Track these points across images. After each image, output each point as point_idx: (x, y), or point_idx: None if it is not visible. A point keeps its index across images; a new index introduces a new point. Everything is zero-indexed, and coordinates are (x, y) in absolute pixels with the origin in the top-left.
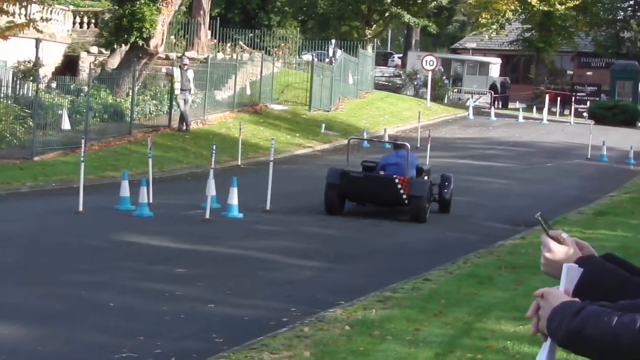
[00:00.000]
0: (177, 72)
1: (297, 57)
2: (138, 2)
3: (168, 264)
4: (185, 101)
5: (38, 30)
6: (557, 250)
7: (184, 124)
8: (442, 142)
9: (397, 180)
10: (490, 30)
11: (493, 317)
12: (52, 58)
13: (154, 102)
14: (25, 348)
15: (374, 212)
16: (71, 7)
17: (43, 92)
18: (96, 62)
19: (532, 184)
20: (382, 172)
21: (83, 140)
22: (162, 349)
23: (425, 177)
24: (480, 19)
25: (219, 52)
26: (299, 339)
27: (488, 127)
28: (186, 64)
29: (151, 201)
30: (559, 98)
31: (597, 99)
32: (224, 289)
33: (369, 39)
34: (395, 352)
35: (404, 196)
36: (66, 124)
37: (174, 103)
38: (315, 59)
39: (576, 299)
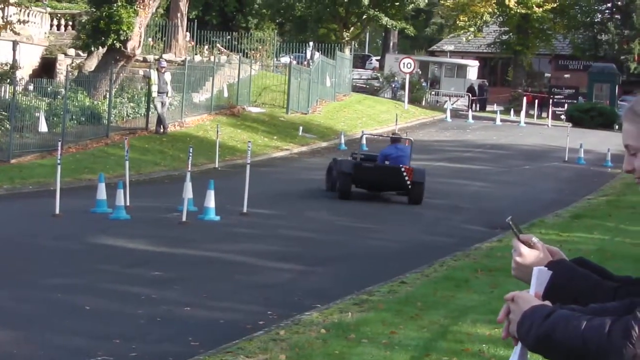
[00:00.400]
0: (154, 74)
1: (275, 59)
2: (115, 5)
3: (144, 267)
4: (163, 104)
5: (15, 33)
6: (528, 254)
7: (162, 126)
8: (419, 144)
9: (403, 170)
10: (468, 33)
11: (469, 320)
12: (29, 60)
13: (132, 104)
14: (0, 351)
15: (350, 214)
16: (48, 9)
17: (20, 95)
18: (73, 64)
19: (510, 186)
20: (387, 163)
21: (60, 143)
22: (138, 352)
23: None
24: (458, 22)
25: (196, 54)
26: (274, 342)
27: (466, 129)
28: (164, 67)
29: (128, 204)
30: (536, 101)
31: (575, 101)
32: (201, 292)
33: (347, 41)
34: (371, 355)
35: (408, 183)
36: (43, 127)
37: (151, 105)
38: (293, 62)
39: (547, 303)
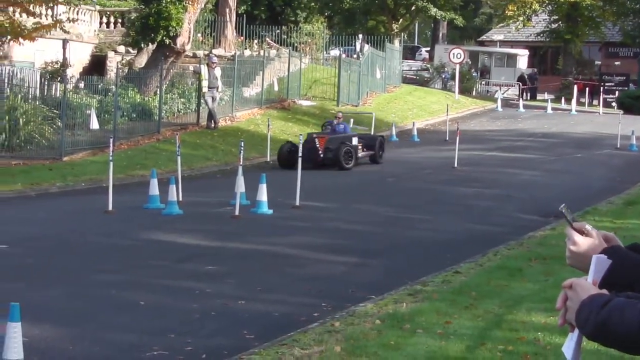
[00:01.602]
0: (204, 70)
1: (325, 52)
2: (164, 1)
3: (197, 261)
4: (214, 99)
5: (65, 31)
6: (581, 243)
7: (212, 121)
8: (471, 134)
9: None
10: (517, 22)
11: (524, 309)
12: (79, 58)
13: (182, 100)
14: (56, 348)
15: (402, 205)
16: (97, 7)
17: (71, 93)
18: (123, 61)
19: (562, 174)
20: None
21: (111, 140)
22: (192, 346)
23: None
24: (507, 11)
25: (246, 49)
26: (329, 334)
27: (517, 118)
28: (214, 62)
29: (180, 199)
30: (587, 88)
31: (626, 88)
32: (254, 286)
33: (396, 33)
34: (426, 345)
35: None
36: (94, 124)
37: (202, 101)
38: (343, 55)
39: (604, 291)
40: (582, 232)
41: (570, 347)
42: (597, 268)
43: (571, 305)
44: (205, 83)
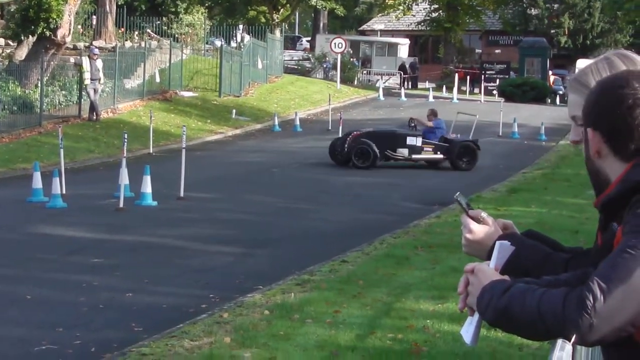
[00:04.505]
0: (86, 61)
1: (205, 43)
2: None
3: (84, 254)
4: (95, 91)
5: None
6: (477, 230)
7: (94, 113)
8: (353, 123)
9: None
10: (398, 12)
11: (412, 297)
12: None
13: (64, 92)
14: None
15: (288, 196)
16: None
17: None
18: (3, 53)
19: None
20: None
21: None
22: (81, 339)
23: None
24: (387, 0)
25: (126, 40)
26: (218, 325)
27: (399, 107)
28: (96, 54)
29: (64, 192)
30: (468, 77)
31: (507, 76)
32: (142, 278)
33: (277, 23)
34: (316, 334)
35: None
36: None
37: (83, 93)
38: (224, 45)
39: (505, 277)
40: (477, 220)
41: (470, 332)
42: (499, 254)
43: (472, 290)
44: (87, 75)
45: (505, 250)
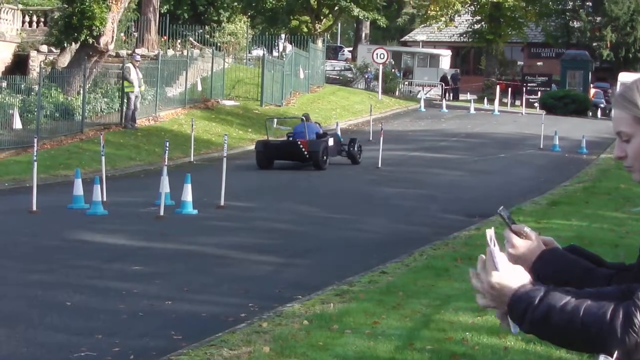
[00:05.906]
0: (133, 72)
1: (247, 52)
2: (88, 0)
3: (124, 261)
4: (136, 97)
5: None
6: (520, 245)
7: (132, 121)
8: (394, 134)
9: (299, 143)
10: (440, 23)
11: (451, 309)
12: (1, 57)
13: (105, 99)
14: None
15: (328, 205)
16: (20, 6)
17: None
18: (46, 60)
19: (485, 175)
20: (291, 139)
21: (35, 139)
22: (120, 347)
23: (329, 139)
24: (429, 11)
25: (169, 48)
26: (257, 334)
27: (440, 119)
28: (138, 60)
29: (105, 199)
30: (509, 89)
31: (548, 89)
32: (181, 286)
33: (319, 33)
34: (354, 345)
35: (305, 153)
36: (17, 124)
37: (124, 100)
38: (266, 54)
39: (538, 286)
40: (520, 235)
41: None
42: None
43: (496, 302)
44: (135, 83)
45: None
